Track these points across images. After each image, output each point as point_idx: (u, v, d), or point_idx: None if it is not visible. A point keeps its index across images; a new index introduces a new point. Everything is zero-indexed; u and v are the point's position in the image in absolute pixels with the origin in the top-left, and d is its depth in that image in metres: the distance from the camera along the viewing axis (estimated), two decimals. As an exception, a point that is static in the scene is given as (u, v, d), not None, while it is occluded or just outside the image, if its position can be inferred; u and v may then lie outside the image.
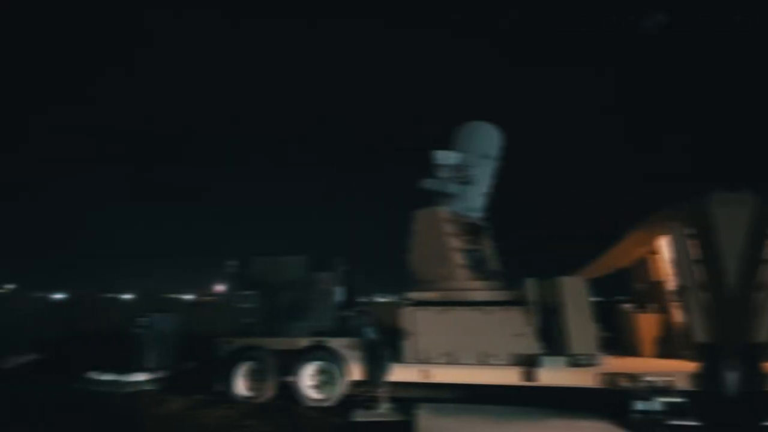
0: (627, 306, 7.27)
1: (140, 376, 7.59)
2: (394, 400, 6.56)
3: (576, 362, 5.79)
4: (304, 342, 6.77)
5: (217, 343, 7.08)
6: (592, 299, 6.14)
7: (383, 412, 6.04)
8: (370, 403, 6.39)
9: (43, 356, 10.23)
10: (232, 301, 7.47)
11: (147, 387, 7.52)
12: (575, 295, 6.05)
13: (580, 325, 5.92)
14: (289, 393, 6.70)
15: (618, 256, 6.94)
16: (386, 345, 6.22)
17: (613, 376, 5.63)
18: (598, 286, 6.56)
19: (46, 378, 8.40)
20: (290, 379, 6.71)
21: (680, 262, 6.28)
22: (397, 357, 6.36)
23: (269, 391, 6.68)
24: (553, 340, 6.02)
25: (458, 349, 6.17)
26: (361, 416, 5.96)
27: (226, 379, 6.82)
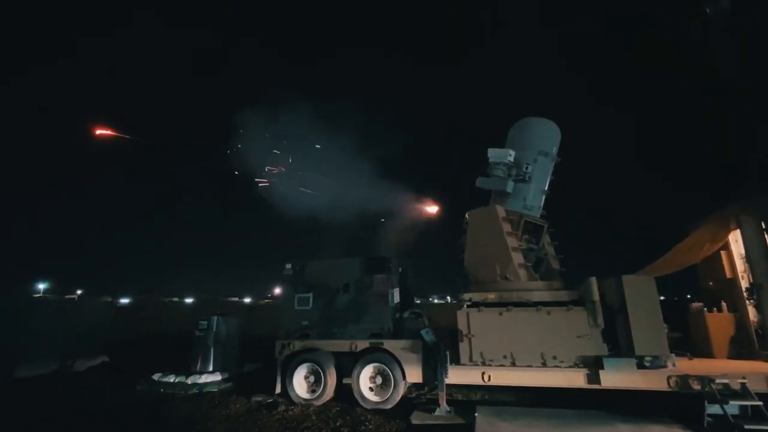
0: (697, 305, 6.94)
1: (203, 378, 7.91)
2: (453, 402, 6.55)
3: (643, 364, 5.58)
4: (361, 344, 6.85)
5: (276, 345, 7.28)
6: (660, 298, 5.89)
7: (442, 414, 6.02)
8: (429, 405, 6.41)
9: (111, 359, 10.88)
10: (289, 303, 7.63)
11: (210, 389, 7.82)
12: (641, 294, 5.81)
13: (647, 326, 5.68)
14: (348, 395, 6.79)
15: (686, 253, 6.63)
16: (444, 347, 6.20)
17: (683, 379, 5.37)
18: (666, 284, 6.31)
19: (113, 380, 8.87)
20: (348, 381, 6.81)
21: (753, 257, 5.97)
22: (455, 359, 6.32)
23: (328, 393, 6.79)
24: (618, 342, 5.83)
25: (518, 350, 6.05)
26: (419, 419, 5.94)
27: (286, 381, 7.00)
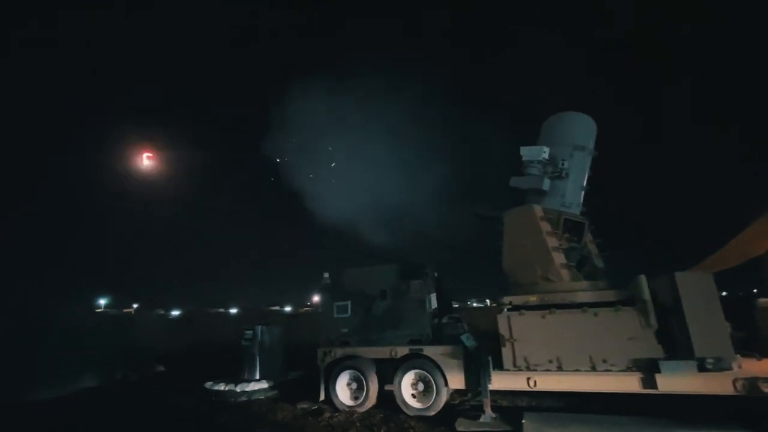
0: (764, 300, 6.38)
1: (251, 386, 8.18)
2: (498, 408, 6.39)
3: (705, 366, 5.20)
4: (401, 351, 6.83)
5: (317, 353, 7.41)
6: (719, 294, 5.47)
7: (487, 421, 5.90)
8: (474, 412, 6.29)
9: (166, 368, 11.52)
10: (328, 311, 7.74)
11: (257, 396, 8.10)
12: (698, 291, 5.41)
13: (707, 325, 5.28)
14: (390, 402, 6.78)
15: (748, 245, 6.10)
16: (486, 352, 6.07)
17: (751, 381, 4.95)
18: (727, 279, 5.86)
19: (168, 388, 9.37)
20: (390, 388, 6.81)
21: (825, 247, 5.42)
22: (498, 364, 6.17)
23: (370, 400, 6.82)
24: (675, 343, 5.46)
25: (565, 355, 5.80)
26: (464, 426, 5.85)
27: (329, 388, 7.11)
